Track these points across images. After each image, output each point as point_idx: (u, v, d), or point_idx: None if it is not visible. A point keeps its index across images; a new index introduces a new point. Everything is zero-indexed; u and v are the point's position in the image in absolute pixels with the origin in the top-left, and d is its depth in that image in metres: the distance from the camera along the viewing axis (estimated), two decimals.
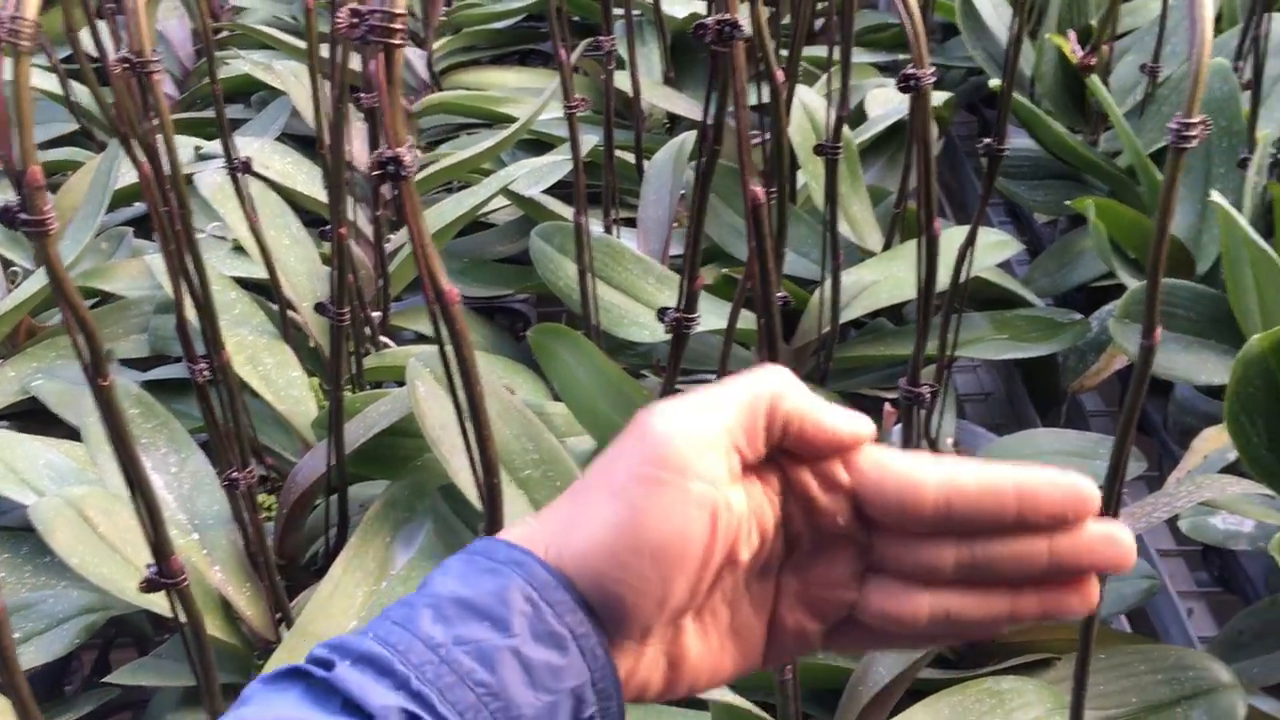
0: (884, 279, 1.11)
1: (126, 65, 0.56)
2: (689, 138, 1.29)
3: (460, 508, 0.86)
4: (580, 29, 1.89)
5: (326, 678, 0.32)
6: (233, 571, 0.84)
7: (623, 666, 0.35)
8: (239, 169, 0.97)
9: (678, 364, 0.66)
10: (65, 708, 0.85)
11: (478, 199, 1.20)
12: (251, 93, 1.64)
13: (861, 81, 1.47)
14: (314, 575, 0.93)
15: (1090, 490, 0.35)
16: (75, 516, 0.80)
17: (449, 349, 0.46)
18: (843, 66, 1.03)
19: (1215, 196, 0.89)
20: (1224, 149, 1.13)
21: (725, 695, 0.67)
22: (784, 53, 1.18)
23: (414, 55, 1.71)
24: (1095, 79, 1.18)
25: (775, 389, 0.35)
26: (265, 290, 1.16)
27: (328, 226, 1.15)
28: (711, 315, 1.08)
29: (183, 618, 0.60)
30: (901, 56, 1.69)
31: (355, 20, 0.40)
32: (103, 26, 1.21)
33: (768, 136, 1.42)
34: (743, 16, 0.59)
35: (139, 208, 1.44)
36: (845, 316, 1.09)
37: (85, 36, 1.25)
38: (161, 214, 0.63)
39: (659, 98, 1.50)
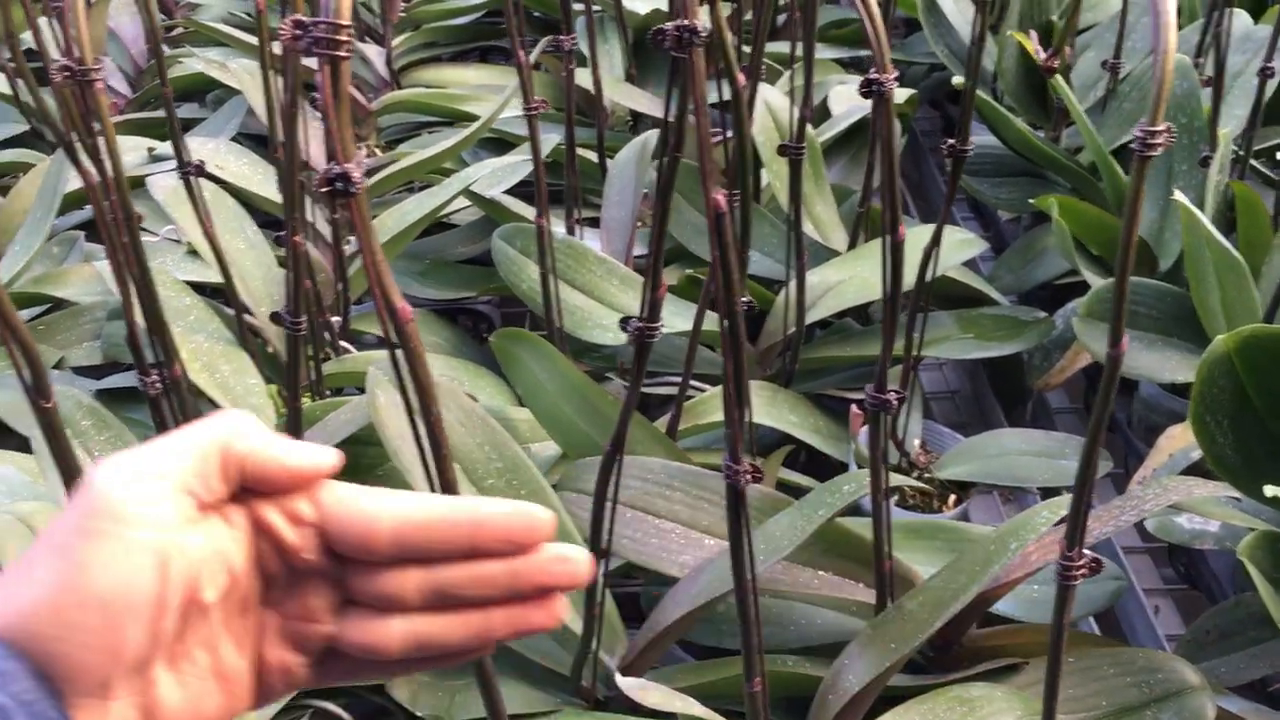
0: (849, 279, 1.10)
1: (68, 73, 0.54)
2: (652, 136, 1.28)
3: None
4: (541, 25, 1.87)
5: None
6: None
7: None
8: (191, 172, 0.95)
9: (641, 373, 0.65)
10: None
11: (438, 200, 1.18)
12: (207, 91, 1.62)
13: (824, 78, 1.46)
14: None
15: (540, 517, 0.37)
16: (25, 532, 0.78)
17: (404, 368, 0.45)
18: (805, 64, 1.02)
19: (1177, 195, 0.89)
20: (1185, 146, 1.13)
21: (691, 707, 0.66)
22: (746, 49, 1.17)
23: (373, 52, 1.69)
24: (1058, 78, 1.18)
25: (228, 430, 0.37)
26: (222, 295, 1.14)
27: (285, 230, 1.14)
28: (676, 317, 1.07)
29: None
30: (864, 52, 1.68)
31: (299, 32, 0.38)
32: (50, 25, 1.19)
33: (730, 135, 1.41)
34: (705, 16, 0.58)
35: (90, 211, 1.41)
36: (811, 317, 1.08)
37: (31, 36, 1.22)
38: (108, 223, 0.61)
39: (621, 95, 1.49)
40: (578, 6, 1.43)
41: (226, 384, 1.01)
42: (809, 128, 1.23)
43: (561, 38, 1.04)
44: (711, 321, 1.08)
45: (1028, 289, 1.28)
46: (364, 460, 0.90)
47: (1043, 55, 1.21)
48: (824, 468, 1.07)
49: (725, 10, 1.60)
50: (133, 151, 1.36)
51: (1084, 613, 0.83)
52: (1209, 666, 0.85)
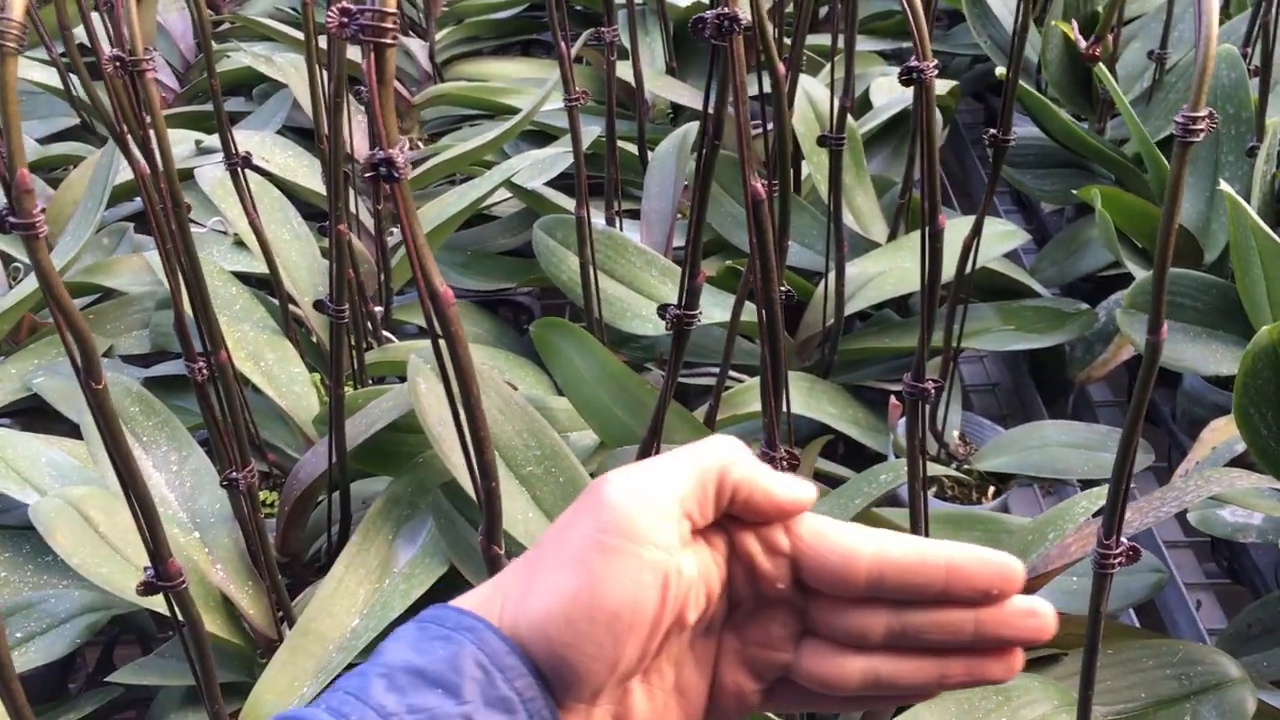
0: (889, 270, 1.10)
1: (118, 64, 0.56)
2: (692, 128, 1.28)
3: (463, 504, 0.85)
4: (582, 18, 1.88)
5: None
6: (235, 570, 0.84)
7: None
8: (238, 164, 0.97)
9: (679, 361, 0.65)
10: (69, 707, 0.85)
11: (480, 192, 1.19)
12: (253, 85, 1.64)
13: (866, 70, 1.46)
14: (317, 572, 0.93)
15: (1016, 569, 0.36)
16: (76, 516, 0.80)
17: (445, 351, 0.45)
18: (846, 56, 1.02)
19: (1223, 185, 0.88)
20: (1232, 137, 1.12)
21: None
22: (787, 41, 1.17)
23: (416, 46, 1.70)
24: (1102, 66, 1.17)
25: (725, 457, 0.37)
26: (267, 285, 1.16)
27: (328, 221, 1.15)
28: (715, 308, 1.08)
29: (182, 620, 0.60)
30: (907, 44, 1.67)
31: (345, 19, 0.39)
32: (102, 19, 1.21)
33: (770, 127, 1.41)
34: (744, 8, 0.59)
35: (140, 203, 1.44)
36: (850, 309, 1.08)
37: (83, 31, 1.24)
38: (158, 212, 0.62)
39: (662, 87, 1.49)
40: (619, 0, 1.44)
41: (271, 372, 1.03)
42: (850, 119, 1.23)
43: (603, 29, 1.05)
44: (750, 312, 1.08)
45: (1070, 281, 1.27)
46: (404, 448, 0.91)
47: (1084, 44, 1.20)
48: (862, 459, 1.07)
49: (766, 2, 1.60)
50: (181, 144, 1.38)
51: (1123, 605, 0.83)
52: (1251, 661, 0.84)
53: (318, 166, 1.34)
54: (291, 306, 1.08)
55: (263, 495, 1.02)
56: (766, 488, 0.37)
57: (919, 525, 0.76)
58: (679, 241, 1.26)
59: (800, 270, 1.16)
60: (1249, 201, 0.99)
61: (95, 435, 0.90)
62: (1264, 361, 0.78)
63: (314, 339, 1.12)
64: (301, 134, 1.51)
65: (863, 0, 1.61)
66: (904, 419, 1.05)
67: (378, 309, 1.12)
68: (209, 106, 1.61)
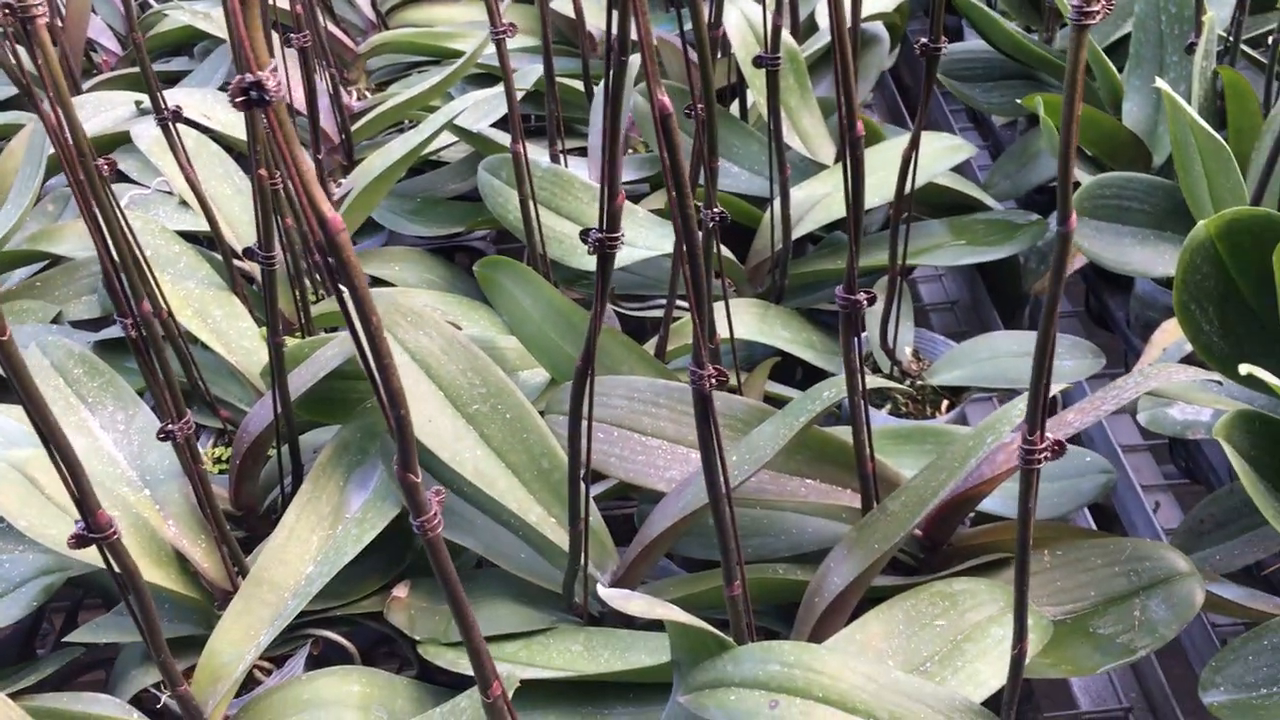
0: (835, 191, 1.09)
1: (6, 9, 0.54)
2: (635, 60, 1.26)
3: None
4: None
5: None
6: (187, 525, 0.84)
7: None
8: (168, 119, 0.95)
9: (606, 285, 0.65)
10: (32, 670, 0.85)
11: (422, 136, 1.18)
12: (195, 44, 1.61)
13: None
14: (272, 524, 0.92)
15: None
16: (20, 479, 0.79)
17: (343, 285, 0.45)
18: None
19: (1160, 83, 0.88)
20: (1176, 36, 1.11)
21: (673, 614, 0.67)
22: None
23: None
24: None
25: None
26: (209, 241, 1.15)
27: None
28: (664, 240, 1.07)
29: (119, 571, 0.60)
30: None
31: None
32: None
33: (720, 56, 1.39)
34: None
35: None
36: (798, 231, 1.07)
37: None
38: (66, 160, 0.61)
39: (605, 21, 1.47)
40: None
41: (219, 328, 1.02)
42: (790, 40, 1.21)
43: None
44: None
45: (1024, 193, 1.27)
46: (353, 395, 0.90)
47: None
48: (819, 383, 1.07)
49: None
50: (121, 106, 1.36)
51: (1073, 506, 0.83)
52: (1204, 555, 0.85)
53: (261, 122, 1.32)
54: (237, 261, 1.07)
55: (218, 451, 1.01)
56: None
57: (861, 436, 0.76)
58: (629, 175, 1.25)
59: (748, 197, 1.15)
60: (1190, 100, 0.98)
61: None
62: (1202, 256, 0.78)
63: (259, 291, 1.11)
64: None
65: None
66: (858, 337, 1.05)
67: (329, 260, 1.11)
68: (155, 68, 1.59)
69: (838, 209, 1.08)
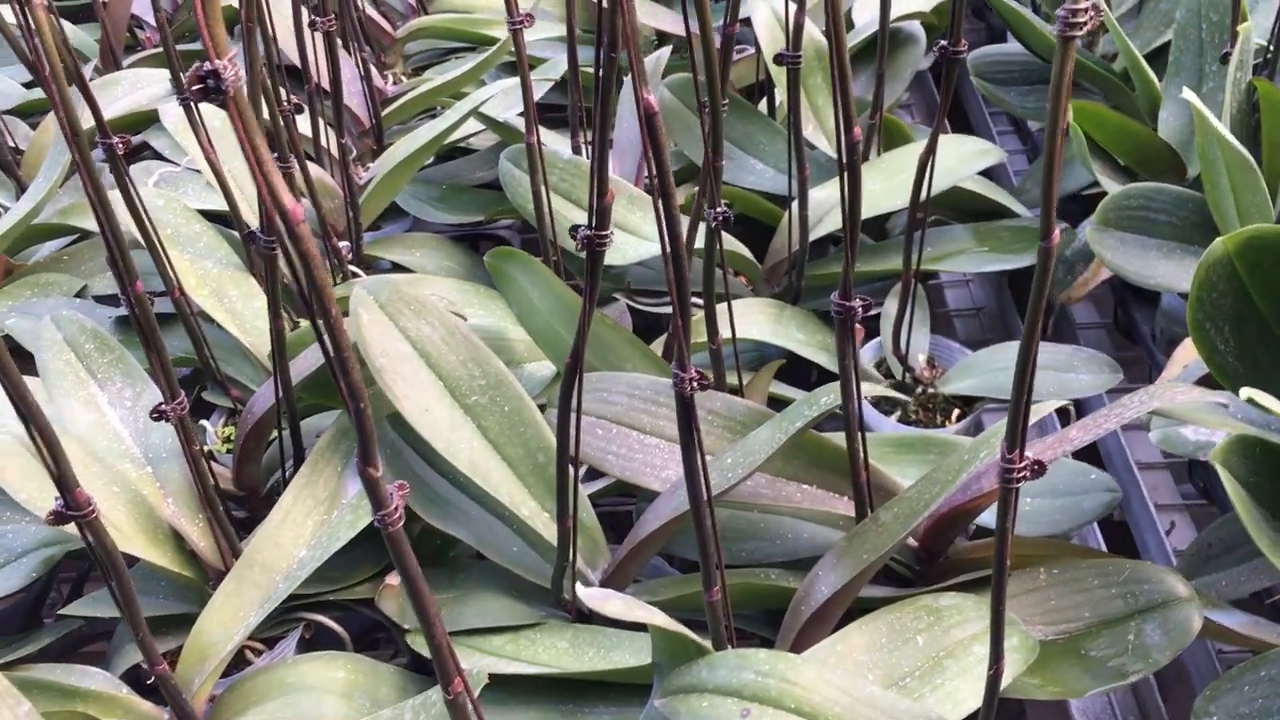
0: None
1: None
2: (663, 54, 1.26)
3: (410, 435, 0.85)
4: None
5: None
6: (185, 504, 0.84)
7: None
8: (191, 98, 0.96)
9: (596, 282, 0.64)
10: (31, 640, 0.86)
11: (448, 123, 1.18)
12: (237, 23, 1.62)
13: None
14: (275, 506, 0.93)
15: None
16: (23, 452, 0.80)
17: (301, 274, 0.45)
18: None
19: (1187, 94, 0.85)
20: (1216, 45, 1.08)
21: (653, 617, 0.66)
22: None
23: None
24: None
25: None
26: (228, 221, 1.16)
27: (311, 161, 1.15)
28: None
29: (96, 548, 0.60)
30: None
31: None
32: None
33: (750, 51, 1.38)
34: None
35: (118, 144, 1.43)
36: (818, 232, 1.06)
37: None
38: (68, 139, 0.62)
39: (644, 14, 1.46)
40: None
41: (234, 309, 1.03)
42: (820, 35, 1.20)
43: None
44: (727, 242, 1.07)
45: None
46: None
47: None
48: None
49: None
50: (157, 84, 1.37)
51: (1074, 525, 0.81)
52: (1210, 580, 0.82)
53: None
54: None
55: (228, 430, 1.02)
56: None
57: (855, 444, 0.75)
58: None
59: (770, 195, 1.14)
60: (1223, 112, 0.95)
61: (53, 374, 0.91)
62: (1218, 274, 0.76)
63: (286, 281, 1.12)
64: (288, 73, 1.49)
65: None
66: (870, 344, 1.04)
67: (344, 244, 1.12)
68: (193, 45, 1.60)
69: (862, 209, 1.06)
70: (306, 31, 1.12)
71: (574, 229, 0.65)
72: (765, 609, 0.81)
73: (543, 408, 0.86)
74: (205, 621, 0.78)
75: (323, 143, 1.21)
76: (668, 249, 0.58)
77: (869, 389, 0.92)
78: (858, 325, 0.99)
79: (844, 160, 0.63)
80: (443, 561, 0.88)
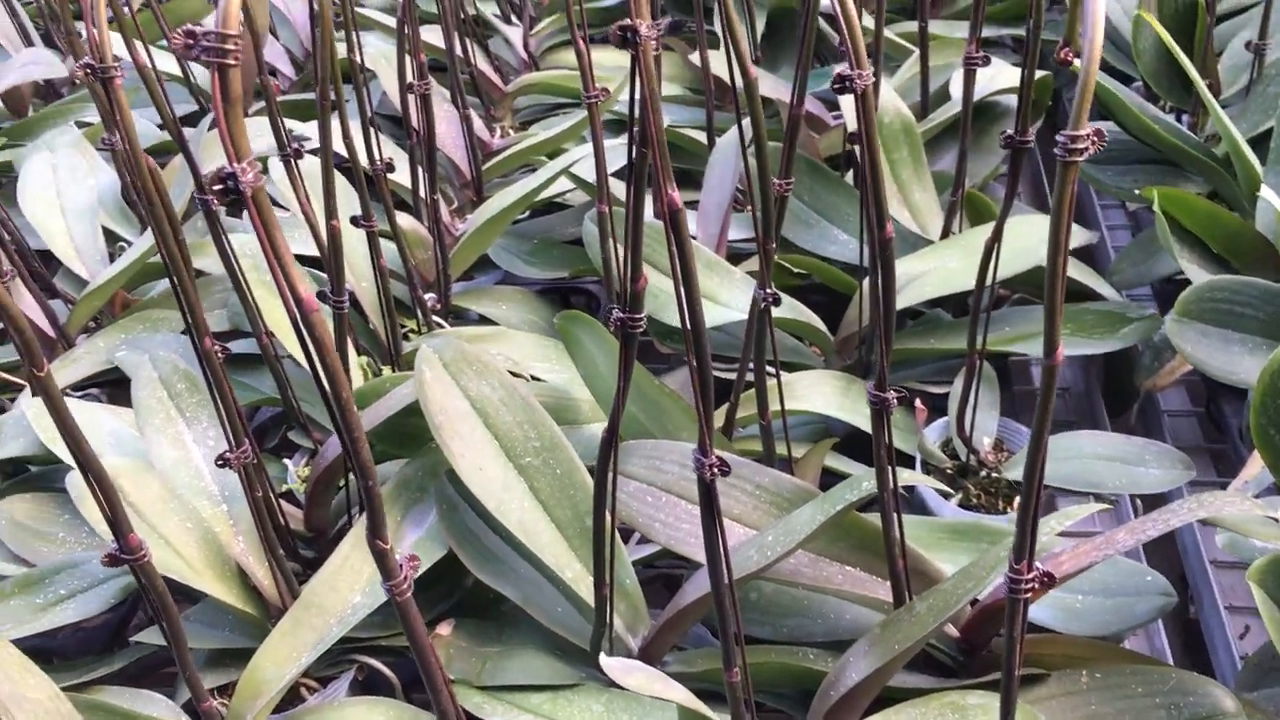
0: (934, 270, 1.07)
1: (88, 71, 0.60)
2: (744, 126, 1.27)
3: (465, 491, 0.87)
4: (682, 5, 1.88)
5: None
6: (254, 543, 0.89)
7: None
8: (290, 155, 1.02)
9: (629, 365, 0.66)
10: (109, 662, 0.91)
11: (539, 181, 1.22)
12: (347, 79, 1.70)
13: (952, 60, 1.42)
14: None
15: None
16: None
17: (315, 356, 0.48)
18: (876, 49, 1.00)
19: (1264, 191, 0.83)
20: None
21: (671, 691, 0.67)
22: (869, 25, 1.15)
23: (514, 34, 1.74)
24: (1186, 61, 1.11)
25: None
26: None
27: (414, 209, 1.20)
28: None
29: (149, 589, 0.64)
30: (1006, 31, 1.62)
31: (190, 42, 0.41)
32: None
33: (841, 120, 1.38)
34: None
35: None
36: None
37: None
38: (208, 204, 0.67)
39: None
40: None
41: None
42: (909, 112, 1.20)
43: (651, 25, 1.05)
44: (795, 310, 1.08)
45: (1150, 283, 1.22)
46: (421, 433, 0.94)
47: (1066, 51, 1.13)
48: (902, 463, 1.05)
49: None
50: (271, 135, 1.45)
51: (1124, 627, 0.79)
52: (1271, 693, 0.79)
53: (400, 155, 1.39)
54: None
55: (306, 470, 1.07)
56: None
57: (890, 534, 0.74)
58: (735, 235, 1.26)
59: (850, 266, 1.15)
60: None
61: (145, 410, 0.97)
62: None
63: (370, 326, 1.17)
64: (394, 121, 1.56)
65: None
66: (935, 424, 1.03)
67: (429, 295, 1.16)
68: (306, 95, 1.69)
69: (931, 289, 1.06)
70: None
71: (606, 312, 0.67)
72: (800, 689, 0.81)
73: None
74: (261, 658, 0.81)
75: (421, 193, 1.26)
76: (691, 345, 0.60)
77: (909, 476, 0.91)
78: (920, 405, 0.99)
79: (877, 254, 0.63)
80: (494, 614, 0.91)
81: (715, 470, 0.62)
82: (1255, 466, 0.92)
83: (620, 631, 0.82)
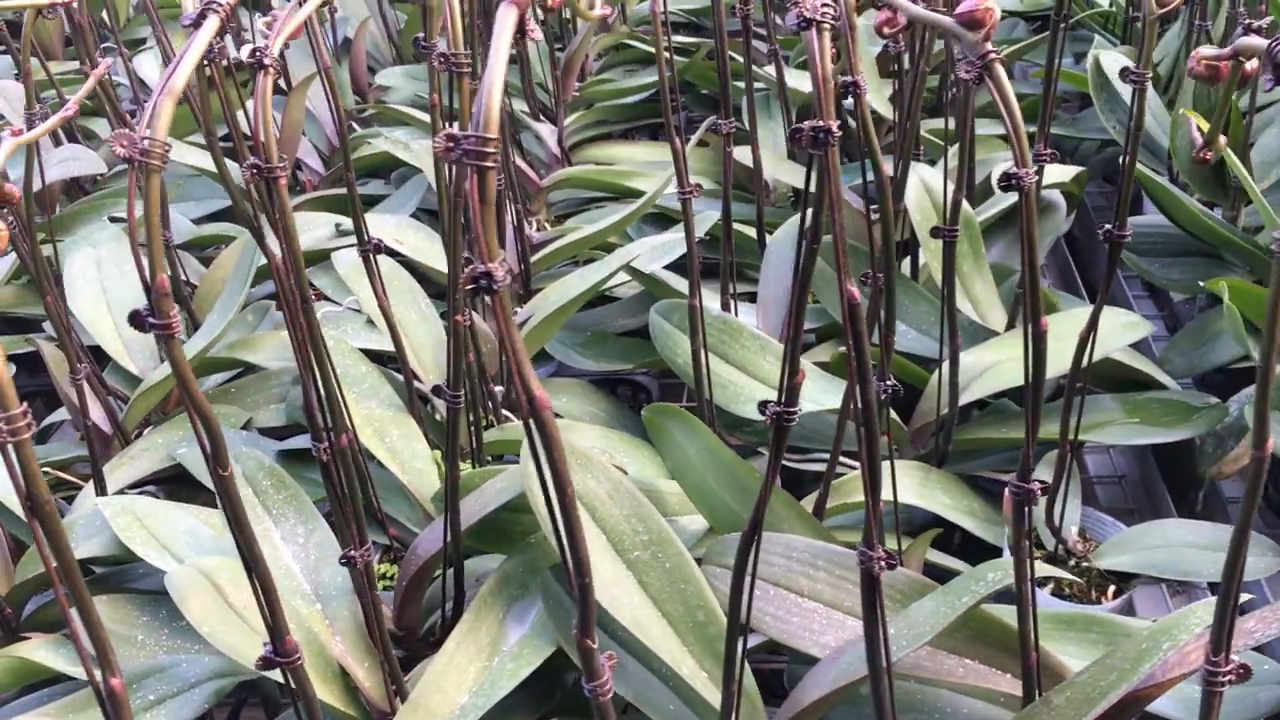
0: (1005, 360, 1.09)
1: (255, 170, 0.60)
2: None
3: (570, 585, 0.87)
4: (710, 102, 1.92)
5: None
6: (353, 643, 0.87)
7: None
8: (370, 250, 1.02)
9: (779, 455, 0.66)
10: None
11: (600, 275, 1.23)
12: (392, 169, 1.72)
13: (990, 155, 1.46)
14: (431, 646, 0.95)
15: None
16: (208, 586, 0.84)
17: (541, 455, 0.47)
18: (961, 147, 1.03)
19: None
20: None
21: None
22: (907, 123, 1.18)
23: (546, 131, 1.76)
24: (1232, 156, 1.15)
25: None
26: (395, 362, 1.21)
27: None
28: (827, 395, 1.08)
29: (296, 694, 0.63)
30: (1033, 129, 1.66)
31: (451, 144, 0.42)
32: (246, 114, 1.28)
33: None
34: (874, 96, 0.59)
35: None
36: (965, 398, 1.07)
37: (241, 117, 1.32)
38: (291, 303, 0.67)
39: (783, 172, 1.51)
40: (740, 85, 1.47)
41: (395, 448, 1.07)
42: (966, 206, 1.23)
43: (720, 121, 1.08)
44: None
45: (1201, 372, 1.24)
46: (516, 527, 0.93)
47: (1198, 143, 1.17)
48: (979, 552, 1.05)
49: (887, 89, 1.61)
50: (321, 227, 1.46)
51: (1246, 718, 0.79)
52: None
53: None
54: (416, 384, 1.12)
55: (383, 568, 1.05)
56: None
57: (1027, 626, 0.74)
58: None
59: (915, 357, 1.16)
60: None
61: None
62: None
63: (437, 416, 1.16)
64: (435, 216, 1.57)
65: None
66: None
67: (499, 388, 1.16)
68: (338, 190, 1.70)
69: (1007, 378, 1.07)
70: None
71: (763, 404, 0.67)
72: None
73: (698, 562, 0.87)
74: None
75: None
76: (861, 433, 0.60)
77: (1045, 569, 0.91)
78: (1009, 495, 0.99)
79: (1030, 346, 0.64)
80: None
81: (883, 564, 0.62)
82: None
83: None
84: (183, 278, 1.40)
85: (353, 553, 0.75)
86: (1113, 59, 1.48)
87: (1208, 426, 1.07)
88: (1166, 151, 1.41)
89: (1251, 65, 0.74)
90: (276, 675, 0.80)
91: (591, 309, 1.40)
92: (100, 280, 1.38)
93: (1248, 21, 0.87)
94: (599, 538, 0.85)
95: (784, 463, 1.15)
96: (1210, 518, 1.16)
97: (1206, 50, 0.66)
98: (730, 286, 1.20)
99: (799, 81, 1.62)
